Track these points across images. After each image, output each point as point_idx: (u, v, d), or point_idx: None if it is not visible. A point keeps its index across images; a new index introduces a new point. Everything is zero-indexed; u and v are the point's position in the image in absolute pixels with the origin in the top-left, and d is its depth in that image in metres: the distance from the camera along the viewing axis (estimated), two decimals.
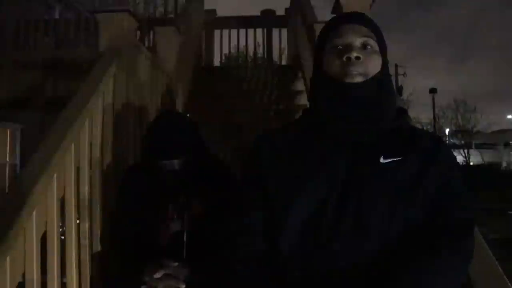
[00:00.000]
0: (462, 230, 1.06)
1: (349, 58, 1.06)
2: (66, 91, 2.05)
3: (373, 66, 1.09)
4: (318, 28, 3.34)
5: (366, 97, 1.06)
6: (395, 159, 1.06)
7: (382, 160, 1.06)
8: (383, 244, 1.02)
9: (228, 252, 1.15)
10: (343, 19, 1.15)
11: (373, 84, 1.07)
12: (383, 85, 1.10)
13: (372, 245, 1.02)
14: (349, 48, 1.08)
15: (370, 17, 1.16)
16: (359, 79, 1.06)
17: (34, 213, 1.44)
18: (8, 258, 1.28)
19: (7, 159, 7.33)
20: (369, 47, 1.09)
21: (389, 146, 1.08)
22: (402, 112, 1.18)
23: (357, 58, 1.07)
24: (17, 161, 7.44)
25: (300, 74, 4.68)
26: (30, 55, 5.35)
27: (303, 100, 4.23)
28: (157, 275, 1.48)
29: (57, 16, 7.51)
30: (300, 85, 4.58)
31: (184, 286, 1.51)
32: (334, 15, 2.88)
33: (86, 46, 4.93)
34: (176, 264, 1.52)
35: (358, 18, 1.14)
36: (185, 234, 1.69)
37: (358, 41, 1.09)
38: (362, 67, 1.07)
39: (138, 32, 4.98)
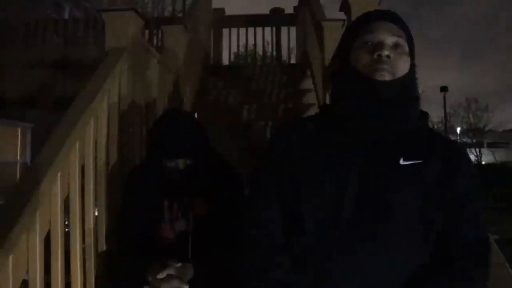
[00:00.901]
0: (482, 253, 1.06)
1: (380, 56, 1.04)
2: (74, 90, 2.05)
3: (402, 67, 1.07)
4: (326, 26, 3.34)
5: (393, 97, 1.05)
6: (415, 162, 1.05)
7: (402, 162, 1.04)
8: (400, 246, 1.01)
9: (245, 246, 1.14)
10: (376, 15, 1.13)
11: (400, 85, 1.06)
12: (410, 87, 1.09)
13: (389, 246, 1.01)
14: (380, 45, 1.05)
15: (401, 18, 1.13)
16: (387, 77, 1.04)
17: (37, 212, 1.43)
18: (10, 257, 1.27)
19: (18, 158, 7.43)
20: (400, 47, 1.07)
21: (409, 148, 1.06)
22: (424, 116, 1.16)
23: (388, 56, 1.05)
24: (28, 160, 7.53)
25: (308, 73, 4.65)
26: (39, 54, 5.39)
27: (312, 98, 4.20)
28: (160, 276, 1.46)
29: (66, 15, 7.56)
30: (308, 84, 4.54)
31: (187, 287, 1.49)
32: (342, 12, 2.87)
33: (94, 45, 4.95)
34: (180, 264, 1.50)
35: (392, 17, 1.11)
36: (189, 234, 1.68)
37: (390, 40, 1.07)
38: (391, 66, 1.05)
39: (147, 31, 4.99)
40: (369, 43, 1.07)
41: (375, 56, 1.05)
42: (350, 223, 1.01)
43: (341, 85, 1.13)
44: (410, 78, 1.09)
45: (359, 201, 1.02)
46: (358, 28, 1.12)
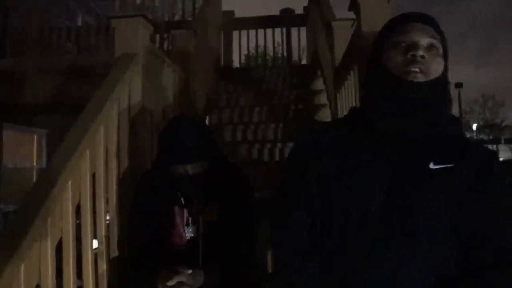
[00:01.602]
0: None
1: (414, 56, 1.03)
2: (88, 96, 2.07)
3: (436, 68, 1.05)
4: (336, 26, 3.32)
5: (426, 98, 1.03)
6: (445, 166, 1.03)
7: (432, 165, 1.03)
8: (428, 252, 1.00)
9: (275, 246, 1.17)
10: (410, 17, 1.11)
11: (434, 86, 1.04)
12: (444, 89, 1.08)
13: (417, 252, 1.00)
14: (415, 46, 1.04)
15: (436, 21, 1.12)
16: (420, 79, 1.03)
17: (49, 220, 1.45)
18: (22, 266, 1.29)
19: (34, 164, 7.55)
20: (434, 49, 1.06)
21: (440, 152, 1.05)
22: (455, 120, 1.14)
23: (422, 57, 1.03)
24: (44, 165, 7.64)
25: (319, 73, 4.62)
26: (53, 61, 5.46)
27: (323, 99, 4.17)
28: (171, 283, 1.46)
29: (79, 22, 7.67)
30: (319, 84, 4.52)
31: None
32: (351, 12, 2.85)
33: (106, 51, 5.01)
34: (190, 271, 1.50)
35: (426, 19, 1.10)
36: (200, 239, 1.68)
37: (424, 41, 1.05)
38: (425, 66, 1.03)
39: (157, 36, 5.02)
40: (403, 43, 1.06)
41: (409, 56, 1.04)
42: (378, 227, 1.01)
43: (372, 86, 1.12)
44: (444, 80, 1.08)
45: (387, 204, 1.01)
46: (392, 29, 1.11)
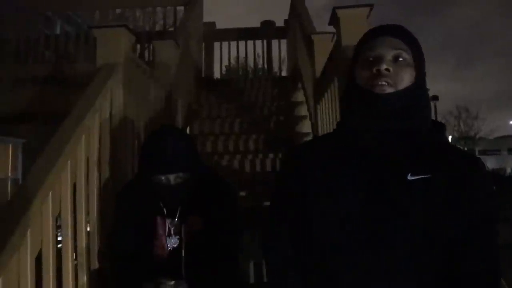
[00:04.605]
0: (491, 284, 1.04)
1: (378, 70, 1.05)
2: (66, 105, 2.05)
3: (404, 78, 1.06)
4: (316, 39, 3.37)
5: (396, 109, 1.04)
6: (422, 176, 1.02)
7: (409, 177, 1.02)
8: (406, 268, 1.00)
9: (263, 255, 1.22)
10: (377, 32, 1.13)
11: (404, 96, 1.04)
12: (416, 97, 1.07)
13: (395, 269, 0.99)
14: (379, 60, 1.06)
15: (408, 30, 1.13)
16: (388, 90, 1.04)
17: (28, 232, 1.42)
18: (1, 279, 1.26)
19: (9, 174, 7.37)
20: (401, 59, 1.07)
21: (418, 162, 1.04)
22: (439, 127, 1.13)
23: (387, 70, 1.05)
24: (19, 176, 7.47)
25: (299, 85, 4.67)
26: (31, 70, 5.37)
27: (303, 111, 4.21)
28: None
29: (58, 31, 7.58)
30: (300, 96, 4.57)
31: None
32: (332, 26, 2.90)
33: (86, 60, 4.95)
34: (173, 282, 1.49)
35: (393, 31, 1.11)
36: (183, 250, 1.67)
37: (389, 54, 1.07)
38: (391, 78, 1.04)
39: (138, 46, 5.00)
40: (370, 58, 1.08)
41: (374, 71, 1.05)
42: (356, 241, 1.01)
43: (347, 102, 1.15)
44: (416, 89, 1.07)
45: (364, 218, 1.01)
46: (361, 46, 1.13)
